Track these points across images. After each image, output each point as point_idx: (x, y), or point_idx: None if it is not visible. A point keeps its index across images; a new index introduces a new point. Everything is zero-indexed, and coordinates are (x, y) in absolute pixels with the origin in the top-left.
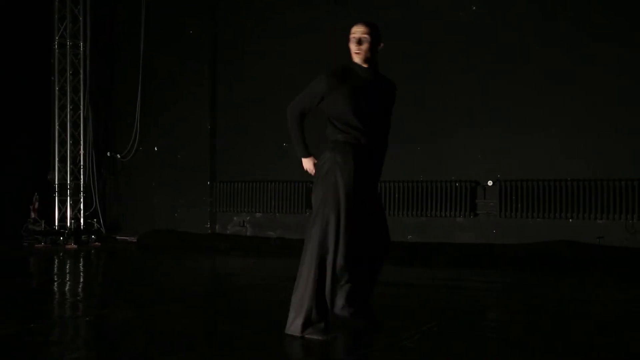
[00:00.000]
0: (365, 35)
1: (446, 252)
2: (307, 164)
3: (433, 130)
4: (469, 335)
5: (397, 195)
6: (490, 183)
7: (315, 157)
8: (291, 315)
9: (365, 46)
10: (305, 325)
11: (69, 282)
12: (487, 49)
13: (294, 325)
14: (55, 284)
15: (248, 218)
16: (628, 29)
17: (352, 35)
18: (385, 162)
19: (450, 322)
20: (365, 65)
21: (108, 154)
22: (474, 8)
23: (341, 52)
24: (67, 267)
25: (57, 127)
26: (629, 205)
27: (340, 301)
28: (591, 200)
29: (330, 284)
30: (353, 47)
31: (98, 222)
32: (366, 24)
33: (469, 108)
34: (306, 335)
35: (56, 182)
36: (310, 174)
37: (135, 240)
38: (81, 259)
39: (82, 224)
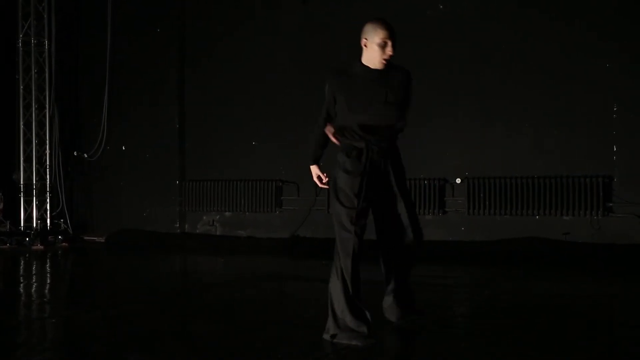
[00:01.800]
0: (392, 40)
1: None
2: (313, 170)
3: None
4: (437, 331)
5: None
6: (458, 181)
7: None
8: (329, 322)
9: (391, 51)
10: (338, 330)
11: (35, 284)
12: (455, 45)
13: (329, 331)
14: (22, 285)
15: (218, 217)
16: (602, 23)
17: (381, 39)
18: None
19: (418, 318)
20: (379, 67)
21: (75, 153)
22: (441, 7)
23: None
24: (34, 268)
25: (22, 126)
26: (593, 202)
27: (387, 304)
28: (557, 197)
29: (352, 290)
30: (381, 52)
31: (65, 222)
32: (390, 27)
33: (437, 106)
34: (335, 341)
35: (22, 182)
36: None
37: (103, 241)
38: (48, 260)
39: (48, 225)
